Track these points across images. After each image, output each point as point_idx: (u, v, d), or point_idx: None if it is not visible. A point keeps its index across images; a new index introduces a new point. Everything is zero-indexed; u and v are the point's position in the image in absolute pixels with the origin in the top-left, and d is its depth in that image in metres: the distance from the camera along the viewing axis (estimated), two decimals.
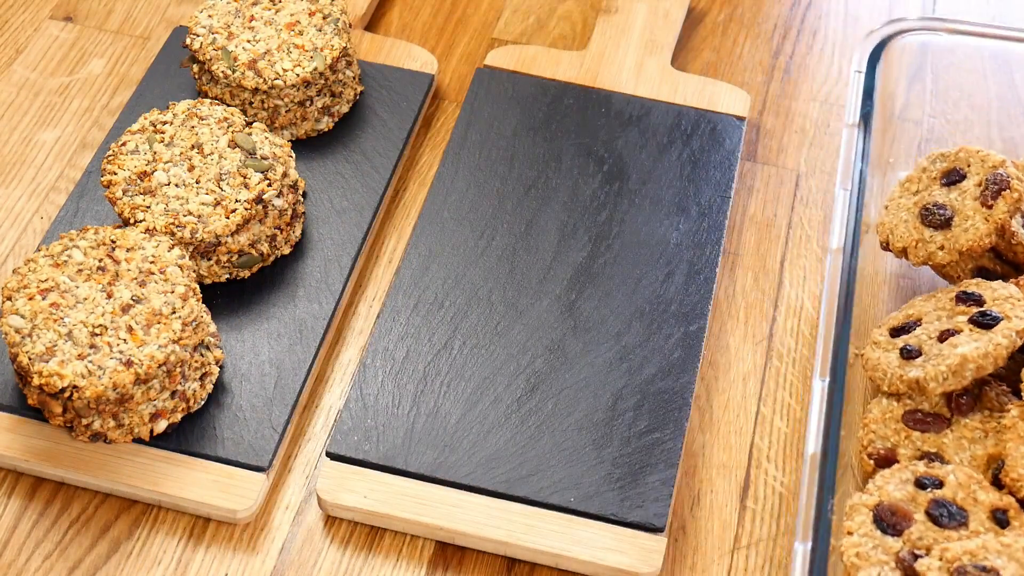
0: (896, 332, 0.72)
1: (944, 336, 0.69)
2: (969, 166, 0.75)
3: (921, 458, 0.67)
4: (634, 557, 0.67)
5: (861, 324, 0.74)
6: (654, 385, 0.73)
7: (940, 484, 0.65)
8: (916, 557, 0.62)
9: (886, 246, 0.77)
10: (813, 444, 0.66)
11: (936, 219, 0.74)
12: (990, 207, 0.73)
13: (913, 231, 0.75)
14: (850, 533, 0.63)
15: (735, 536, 0.70)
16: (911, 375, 0.68)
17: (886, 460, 0.67)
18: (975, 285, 0.72)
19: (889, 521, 0.63)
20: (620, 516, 0.68)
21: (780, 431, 0.75)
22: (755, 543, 0.70)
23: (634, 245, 0.80)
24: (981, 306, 0.70)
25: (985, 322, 0.68)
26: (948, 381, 0.67)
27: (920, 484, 0.65)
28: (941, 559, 0.60)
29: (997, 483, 0.66)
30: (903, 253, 0.76)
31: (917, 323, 0.71)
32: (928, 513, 0.64)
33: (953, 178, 0.76)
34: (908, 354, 0.69)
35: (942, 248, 0.74)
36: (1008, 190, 0.73)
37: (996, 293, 0.71)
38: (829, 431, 0.66)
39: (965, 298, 0.71)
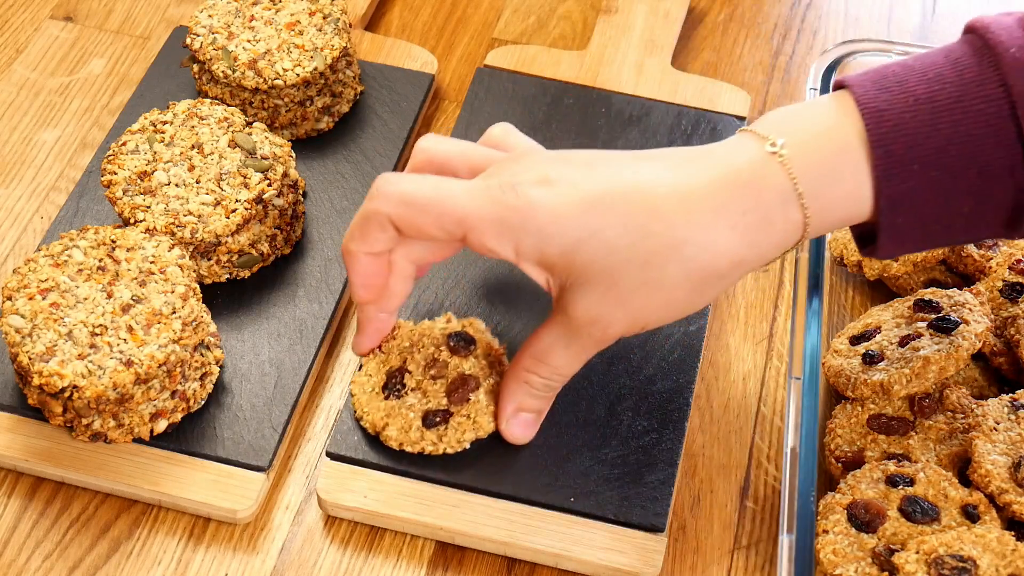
0: (856, 340, 0.73)
1: (905, 341, 0.70)
2: None
3: (889, 459, 0.68)
4: (634, 557, 0.67)
5: (831, 320, 0.77)
6: (654, 385, 0.73)
7: (911, 482, 0.66)
8: (892, 552, 0.63)
9: (840, 261, 0.79)
10: (792, 439, 0.67)
11: None
12: None
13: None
14: (825, 531, 0.64)
15: (735, 536, 0.70)
16: (875, 379, 0.69)
17: (854, 463, 0.68)
18: (931, 294, 0.74)
19: (863, 518, 0.64)
20: (620, 516, 0.68)
21: (780, 431, 0.75)
22: (755, 543, 0.70)
23: None
24: (939, 312, 0.72)
25: (945, 326, 0.70)
26: (912, 384, 0.68)
27: (891, 482, 0.66)
28: (918, 551, 0.61)
29: (964, 481, 0.67)
30: (857, 267, 0.78)
31: (876, 331, 0.73)
32: (901, 510, 0.65)
33: None
34: (870, 359, 0.70)
35: (896, 260, 0.76)
36: None
37: (953, 300, 0.72)
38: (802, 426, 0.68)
39: (923, 305, 0.73)
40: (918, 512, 0.64)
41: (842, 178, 0.60)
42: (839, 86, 0.63)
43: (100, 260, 0.70)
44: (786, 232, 0.60)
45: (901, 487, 0.65)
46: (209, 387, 0.72)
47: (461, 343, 0.72)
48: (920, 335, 0.70)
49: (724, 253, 0.60)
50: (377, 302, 0.67)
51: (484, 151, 0.66)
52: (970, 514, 0.65)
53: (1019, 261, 0.75)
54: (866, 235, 0.64)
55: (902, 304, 0.74)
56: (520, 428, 0.68)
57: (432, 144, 0.66)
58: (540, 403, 0.68)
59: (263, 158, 0.76)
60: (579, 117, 0.87)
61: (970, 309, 0.71)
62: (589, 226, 0.59)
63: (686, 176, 0.60)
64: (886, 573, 0.62)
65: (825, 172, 0.60)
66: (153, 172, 0.75)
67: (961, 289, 0.76)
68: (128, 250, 0.71)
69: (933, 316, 0.71)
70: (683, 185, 0.60)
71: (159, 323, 0.68)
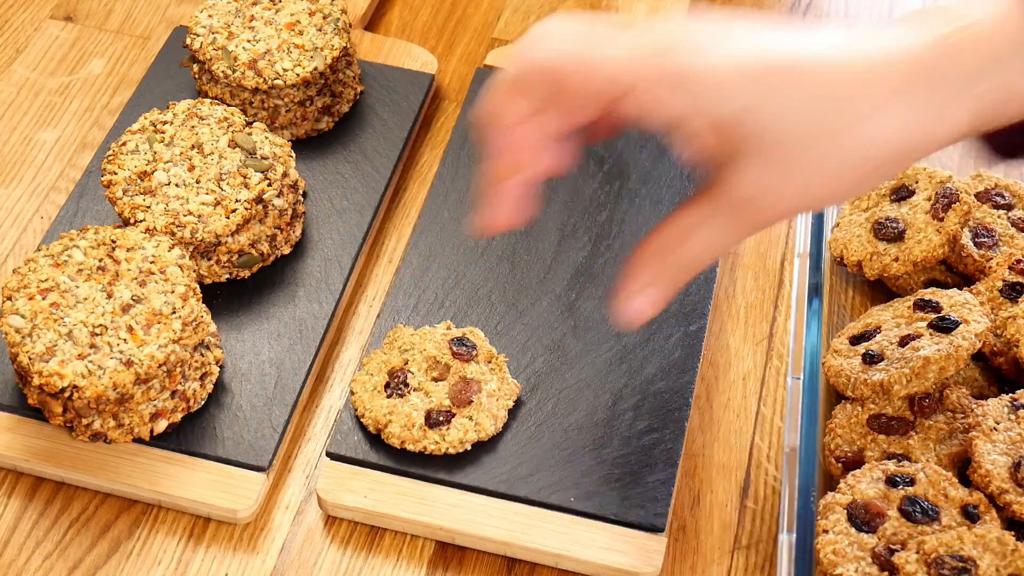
0: (856, 340, 0.73)
1: (905, 341, 0.70)
2: (917, 182, 0.78)
3: (889, 459, 0.68)
4: (634, 557, 0.67)
5: (831, 320, 0.77)
6: (654, 385, 0.73)
7: (911, 481, 0.66)
8: (892, 552, 0.63)
9: (840, 261, 0.79)
10: (792, 439, 0.67)
11: (889, 232, 0.77)
12: (941, 219, 0.76)
13: (867, 245, 0.77)
14: (825, 531, 0.64)
15: (735, 536, 0.70)
16: (875, 379, 0.69)
17: (853, 463, 0.68)
18: (931, 294, 0.73)
19: (863, 518, 0.64)
20: (620, 516, 0.68)
21: (780, 431, 0.75)
22: (755, 543, 0.70)
23: (634, 245, 0.79)
24: (939, 312, 0.71)
25: (945, 326, 0.70)
26: (912, 383, 0.68)
27: (891, 482, 0.66)
28: (918, 551, 0.61)
29: (964, 481, 0.67)
30: (857, 267, 0.78)
31: (876, 331, 0.73)
32: (901, 510, 0.65)
33: (903, 194, 0.78)
34: (870, 359, 0.70)
35: (896, 260, 0.76)
36: (958, 203, 0.76)
37: (952, 300, 0.72)
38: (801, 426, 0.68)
39: (923, 305, 0.72)
40: (918, 512, 0.64)
41: (1019, 70, 0.56)
42: None
43: (100, 260, 0.70)
44: (962, 119, 0.57)
45: (901, 487, 0.65)
46: (209, 387, 0.72)
47: (463, 347, 0.72)
48: (920, 335, 0.70)
49: (901, 135, 0.56)
50: (521, 177, 0.59)
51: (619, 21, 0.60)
52: (970, 514, 0.65)
53: (1019, 261, 0.75)
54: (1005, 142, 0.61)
55: (902, 304, 0.74)
56: (643, 304, 0.60)
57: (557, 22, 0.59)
58: (670, 285, 0.60)
59: (263, 158, 0.76)
60: None
61: (970, 309, 0.71)
62: (767, 90, 0.55)
63: (869, 49, 0.56)
64: (886, 573, 0.62)
65: (1003, 61, 0.56)
66: (153, 172, 0.75)
67: (961, 289, 0.76)
68: (128, 250, 0.71)
69: (933, 316, 0.71)
70: (865, 58, 0.56)
71: (159, 323, 0.68)
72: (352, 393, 0.71)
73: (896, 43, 0.57)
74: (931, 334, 0.70)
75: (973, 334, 0.69)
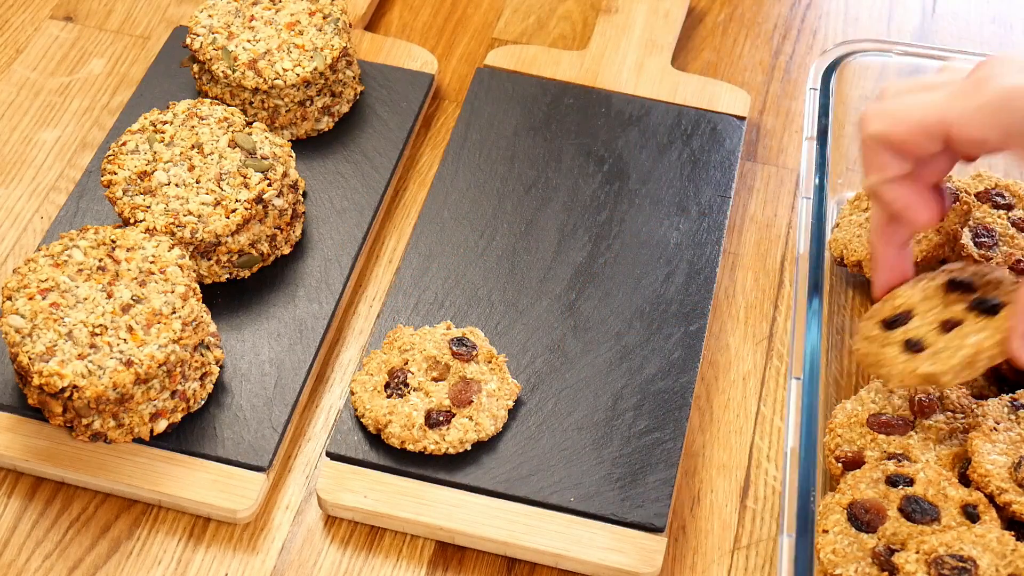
0: (889, 324, 0.70)
1: (948, 326, 0.67)
2: None
3: (889, 459, 0.68)
4: (634, 557, 0.67)
5: (831, 320, 0.77)
6: (654, 385, 0.73)
7: (911, 481, 0.66)
8: (892, 552, 0.63)
9: (840, 261, 0.79)
10: (792, 439, 0.67)
11: None
12: (941, 219, 0.74)
13: (867, 245, 0.77)
14: (825, 531, 0.64)
15: (735, 536, 0.70)
16: (924, 370, 0.66)
17: (854, 463, 0.68)
18: (960, 270, 0.70)
19: (863, 518, 0.64)
20: (620, 516, 0.68)
21: (780, 431, 0.75)
22: (755, 543, 0.70)
23: (634, 245, 0.80)
24: (974, 291, 0.69)
25: (987, 307, 0.67)
26: (964, 373, 0.65)
27: (891, 482, 0.66)
28: (918, 551, 0.61)
29: (964, 481, 0.67)
30: (857, 267, 0.78)
31: (908, 314, 0.70)
32: (900, 510, 0.65)
33: None
34: (913, 347, 0.67)
35: None
36: (958, 202, 0.75)
37: (984, 278, 0.69)
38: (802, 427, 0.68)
39: (956, 286, 0.69)
40: (918, 512, 0.64)
41: None
42: None
43: (100, 260, 0.70)
44: None
45: (901, 487, 0.65)
46: (209, 387, 0.72)
47: (463, 347, 0.72)
48: (960, 320, 0.67)
49: None
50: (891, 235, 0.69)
51: (937, 76, 0.66)
52: (970, 514, 0.65)
53: (1019, 261, 0.75)
54: None
55: (929, 283, 0.71)
56: None
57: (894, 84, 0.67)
58: None
59: (263, 158, 0.76)
60: (579, 117, 0.87)
61: (1007, 290, 0.67)
62: None
63: None
64: (886, 573, 0.62)
65: None
66: (153, 172, 0.75)
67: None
68: (128, 250, 0.71)
69: (971, 297, 0.68)
70: None
71: (159, 323, 0.68)
72: (352, 393, 0.72)
73: None
74: (975, 318, 0.66)
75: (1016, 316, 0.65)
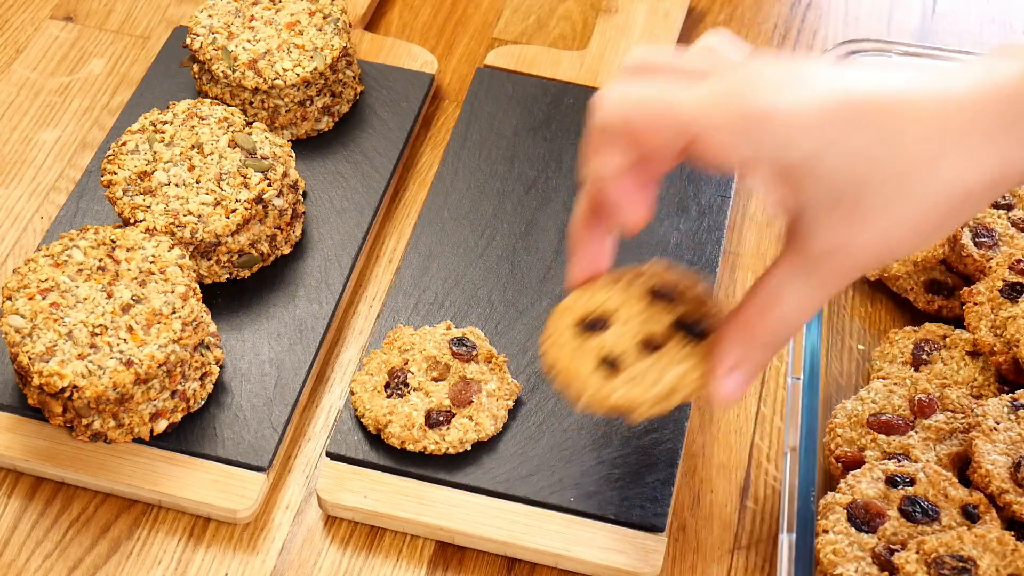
0: (585, 326, 0.60)
1: (650, 345, 0.59)
2: None
3: (889, 459, 0.68)
4: (634, 557, 0.67)
5: (831, 320, 0.77)
6: None
7: (911, 481, 0.66)
8: (892, 552, 0.63)
9: None
10: (792, 439, 0.67)
11: None
12: None
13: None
14: (825, 531, 0.64)
15: (735, 536, 0.70)
16: (616, 400, 0.58)
17: (854, 463, 0.68)
18: (661, 280, 0.62)
19: (863, 518, 0.64)
20: (620, 516, 0.68)
21: (780, 431, 0.75)
22: (755, 543, 0.70)
23: (634, 245, 0.80)
24: (679, 303, 0.61)
25: (693, 333, 0.59)
26: (658, 407, 0.58)
27: (891, 482, 0.66)
28: (918, 551, 0.61)
29: (964, 481, 0.67)
30: None
31: (606, 320, 0.60)
32: (901, 510, 0.65)
33: None
34: (609, 367, 0.58)
35: (896, 260, 0.75)
36: None
37: (687, 293, 0.61)
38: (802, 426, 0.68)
39: (660, 294, 0.61)
40: (918, 512, 0.64)
41: None
42: None
43: (100, 260, 0.70)
44: None
45: (901, 487, 0.65)
46: (209, 387, 0.72)
47: (463, 347, 0.72)
48: (664, 341, 0.59)
49: (982, 172, 0.53)
50: (609, 224, 0.60)
51: (701, 60, 0.58)
52: (970, 514, 0.65)
53: (1019, 261, 0.75)
54: None
55: (632, 285, 0.62)
56: (735, 387, 0.57)
57: (644, 55, 0.59)
58: (762, 358, 0.57)
59: (263, 158, 0.76)
60: (579, 117, 0.87)
61: (712, 307, 0.61)
62: (833, 133, 0.52)
63: (942, 85, 0.53)
64: (886, 573, 0.62)
65: None
66: (153, 172, 0.75)
67: (959, 290, 0.76)
68: (128, 250, 0.71)
69: (677, 314, 0.60)
70: (938, 94, 0.53)
71: (159, 323, 0.68)
72: (352, 393, 0.72)
73: (984, 76, 0.54)
74: (678, 342, 0.59)
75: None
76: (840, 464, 0.69)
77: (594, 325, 0.60)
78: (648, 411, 0.58)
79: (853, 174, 0.53)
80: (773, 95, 0.53)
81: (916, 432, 0.69)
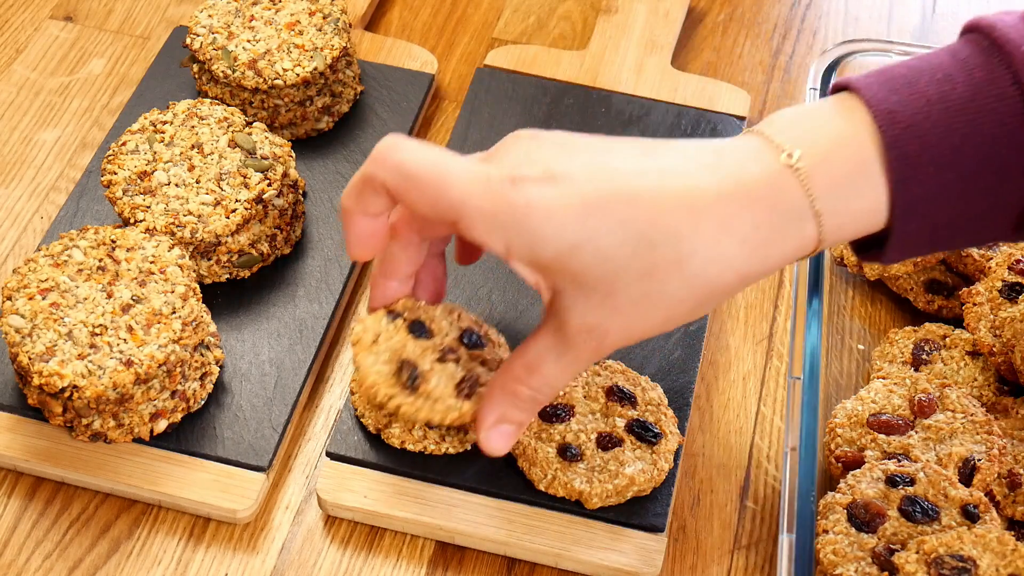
0: (549, 416, 0.69)
1: (604, 441, 0.68)
2: None
3: (889, 459, 0.68)
4: (634, 557, 0.67)
5: (831, 320, 0.77)
6: None
7: (911, 481, 0.66)
8: (892, 552, 0.63)
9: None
10: (792, 439, 0.67)
11: None
12: None
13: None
14: (825, 531, 0.64)
15: (735, 536, 0.70)
16: (577, 487, 0.67)
17: (854, 463, 0.68)
18: (621, 376, 0.70)
19: (863, 518, 0.64)
20: (620, 516, 0.68)
21: (780, 431, 0.75)
22: (755, 543, 0.70)
23: None
24: (634, 406, 0.69)
25: (648, 439, 0.68)
26: (611, 499, 0.67)
27: (891, 482, 0.66)
28: (918, 551, 0.61)
29: (963, 481, 0.67)
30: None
31: (570, 410, 0.69)
32: (901, 510, 0.65)
33: None
34: (571, 457, 0.68)
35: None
36: None
37: (647, 395, 0.70)
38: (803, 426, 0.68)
39: (618, 395, 0.70)
40: (918, 512, 0.64)
41: (860, 193, 0.57)
42: (839, 88, 0.60)
43: (100, 260, 0.70)
44: (798, 247, 0.58)
45: (901, 487, 0.65)
46: (209, 387, 0.72)
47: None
48: (620, 439, 0.68)
49: (731, 268, 0.57)
50: (383, 271, 0.64)
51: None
52: (970, 514, 0.65)
53: (1019, 261, 0.75)
54: (867, 241, 0.62)
55: (593, 382, 0.70)
56: (499, 440, 0.63)
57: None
58: (524, 415, 0.62)
59: (263, 158, 0.76)
60: (579, 117, 0.87)
61: (664, 414, 0.69)
62: (587, 231, 0.56)
63: (695, 183, 0.57)
64: (886, 573, 0.62)
65: (844, 187, 0.57)
66: (153, 172, 0.75)
67: (959, 290, 0.76)
68: (128, 250, 0.71)
69: (630, 413, 0.69)
70: (691, 194, 0.56)
71: (159, 323, 0.68)
72: (352, 393, 0.71)
73: (731, 175, 0.57)
74: (633, 443, 0.68)
75: (671, 452, 0.68)
76: (840, 464, 0.69)
77: (554, 414, 0.69)
78: (604, 501, 0.67)
79: (605, 269, 0.56)
80: (535, 190, 0.56)
81: (916, 432, 0.69)
